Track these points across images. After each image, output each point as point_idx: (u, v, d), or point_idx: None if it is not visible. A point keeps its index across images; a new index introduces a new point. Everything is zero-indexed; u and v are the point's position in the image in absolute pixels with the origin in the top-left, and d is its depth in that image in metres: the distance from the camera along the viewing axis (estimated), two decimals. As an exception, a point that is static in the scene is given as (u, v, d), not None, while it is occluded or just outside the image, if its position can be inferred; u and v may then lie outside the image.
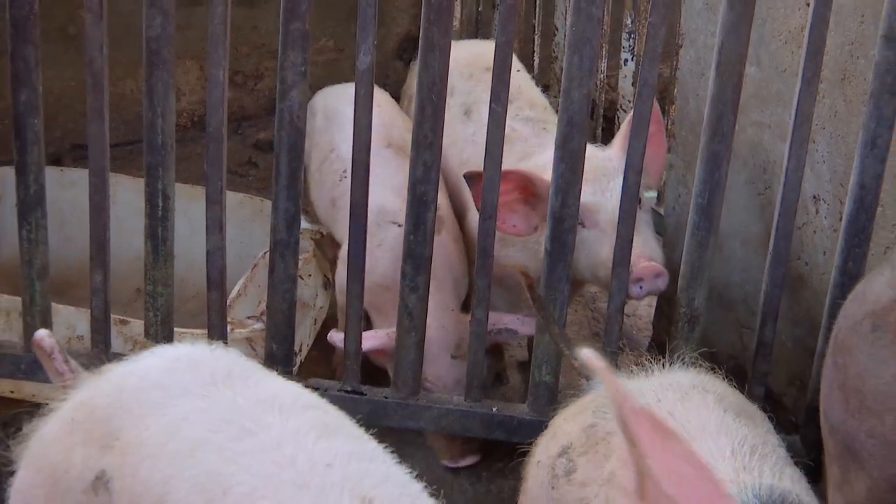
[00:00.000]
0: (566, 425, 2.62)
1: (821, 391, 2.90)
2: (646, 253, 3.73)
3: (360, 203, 3.60)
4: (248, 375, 2.19)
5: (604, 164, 3.81)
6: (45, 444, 2.20)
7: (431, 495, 2.06)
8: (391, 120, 4.52)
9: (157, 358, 2.27)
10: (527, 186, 3.82)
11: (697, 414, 2.43)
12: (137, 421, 2.08)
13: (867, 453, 2.69)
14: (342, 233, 4.12)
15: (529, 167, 3.98)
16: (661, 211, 4.57)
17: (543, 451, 2.63)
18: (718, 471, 2.32)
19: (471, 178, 3.78)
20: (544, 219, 3.66)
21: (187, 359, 2.23)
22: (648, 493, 1.45)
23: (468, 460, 4.05)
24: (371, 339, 3.93)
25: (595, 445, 2.54)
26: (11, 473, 2.23)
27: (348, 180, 3.76)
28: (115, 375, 2.23)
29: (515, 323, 4.01)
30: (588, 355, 1.49)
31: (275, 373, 2.31)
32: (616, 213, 3.61)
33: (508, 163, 3.69)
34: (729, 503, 1.43)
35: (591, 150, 3.82)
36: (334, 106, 4.56)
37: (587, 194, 3.67)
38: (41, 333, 2.57)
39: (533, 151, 4.16)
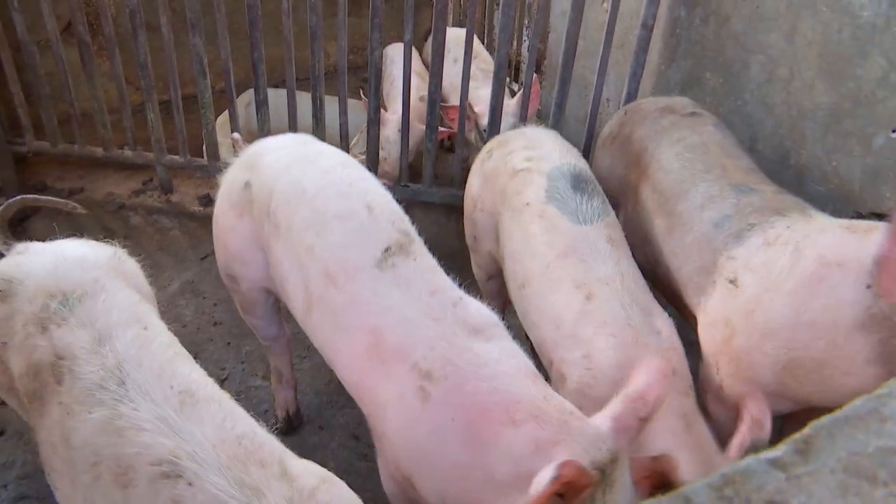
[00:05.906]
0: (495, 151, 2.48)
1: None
2: None
3: (406, 97, 3.49)
4: (314, 142, 2.10)
5: (506, 108, 3.49)
6: (229, 174, 2.14)
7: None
8: (419, 65, 4.38)
9: (277, 138, 2.16)
10: (468, 114, 3.62)
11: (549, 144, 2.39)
12: (263, 157, 2.03)
13: (606, 185, 2.53)
14: (391, 104, 4.07)
15: (474, 99, 3.78)
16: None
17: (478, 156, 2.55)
18: (552, 160, 2.26)
19: (445, 109, 3.60)
20: (476, 124, 3.53)
21: (292, 137, 2.15)
22: None
23: None
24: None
25: (502, 145, 2.47)
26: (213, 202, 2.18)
27: (396, 84, 3.81)
28: (258, 144, 2.15)
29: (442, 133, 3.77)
30: None
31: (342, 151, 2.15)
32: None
33: (471, 88, 3.52)
34: None
35: (507, 100, 3.63)
36: (393, 53, 4.43)
37: None
38: (235, 136, 2.63)
39: (480, 86, 3.90)
